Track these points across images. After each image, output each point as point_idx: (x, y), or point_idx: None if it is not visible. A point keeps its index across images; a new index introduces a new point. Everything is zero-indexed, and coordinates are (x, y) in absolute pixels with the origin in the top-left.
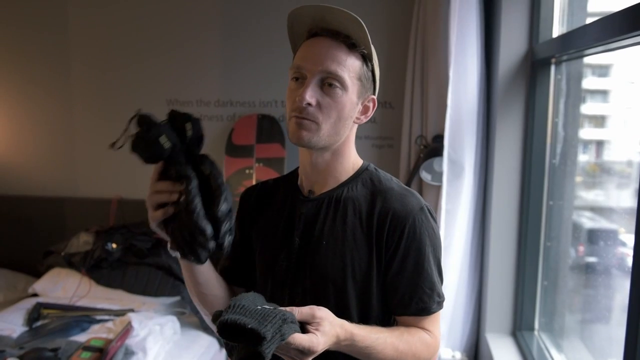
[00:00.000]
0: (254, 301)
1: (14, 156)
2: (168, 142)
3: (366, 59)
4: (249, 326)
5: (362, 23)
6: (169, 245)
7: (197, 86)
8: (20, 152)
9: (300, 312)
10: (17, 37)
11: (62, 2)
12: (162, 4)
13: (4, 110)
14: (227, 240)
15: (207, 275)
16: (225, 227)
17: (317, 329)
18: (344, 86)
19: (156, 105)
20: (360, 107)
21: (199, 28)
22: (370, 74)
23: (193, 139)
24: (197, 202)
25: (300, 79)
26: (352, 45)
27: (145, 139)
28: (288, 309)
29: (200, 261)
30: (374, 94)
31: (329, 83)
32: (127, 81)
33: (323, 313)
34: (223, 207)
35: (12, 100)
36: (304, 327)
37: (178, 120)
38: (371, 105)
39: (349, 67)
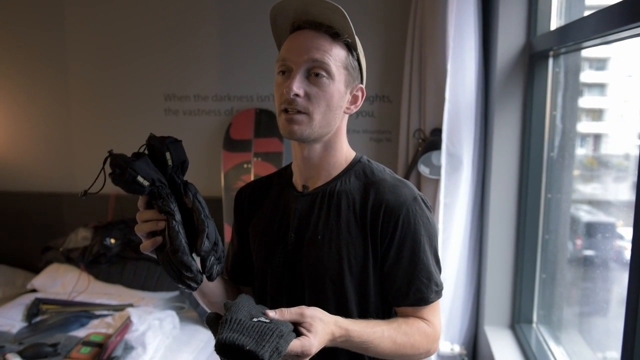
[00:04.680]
0: (248, 309)
1: (12, 152)
2: (145, 181)
3: (351, 48)
4: (247, 347)
5: (344, 12)
6: None
7: (195, 81)
8: (18, 149)
9: (289, 312)
10: (14, 34)
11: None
12: (159, 0)
13: (2, 108)
14: (215, 270)
15: (211, 286)
16: (210, 261)
17: (309, 330)
18: (330, 75)
19: (154, 101)
20: (349, 96)
21: (196, 23)
22: (356, 63)
23: (175, 167)
24: (180, 240)
25: (286, 72)
26: (336, 34)
27: (122, 181)
28: (277, 311)
29: (191, 289)
30: (361, 83)
31: (315, 73)
32: (124, 77)
33: (312, 311)
34: (205, 245)
35: (9, 97)
36: (295, 328)
37: (157, 149)
38: (360, 94)
39: (334, 56)
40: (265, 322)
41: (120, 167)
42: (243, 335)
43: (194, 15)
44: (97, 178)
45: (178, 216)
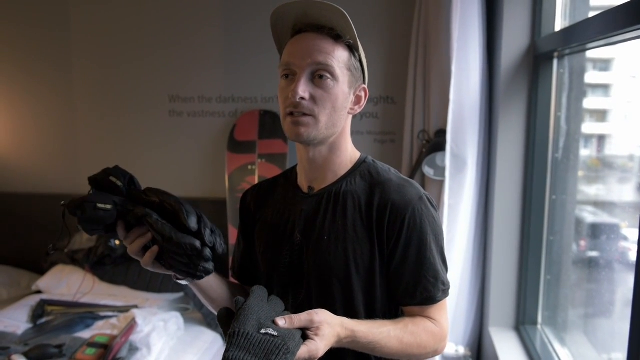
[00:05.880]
0: (257, 316)
1: (17, 154)
2: (107, 205)
3: (353, 49)
4: None
5: (345, 13)
6: (174, 277)
7: (199, 82)
8: (23, 150)
9: (298, 319)
10: (19, 34)
11: None
12: (164, 0)
13: (6, 108)
14: (218, 241)
15: (218, 291)
16: (207, 233)
17: (316, 334)
18: (334, 77)
19: (159, 102)
20: (352, 97)
21: (200, 24)
22: (358, 64)
23: (127, 184)
24: (168, 228)
25: (290, 76)
26: (337, 36)
27: (89, 218)
28: (287, 318)
29: (208, 272)
30: (364, 83)
31: (320, 75)
32: (129, 78)
33: (321, 316)
34: (191, 220)
35: (14, 97)
36: (303, 333)
37: (102, 182)
38: (363, 94)
39: (338, 58)
40: (274, 335)
41: (78, 207)
42: (249, 354)
43: (198, 16)
44: (60, 231)
45: (155, 215)
